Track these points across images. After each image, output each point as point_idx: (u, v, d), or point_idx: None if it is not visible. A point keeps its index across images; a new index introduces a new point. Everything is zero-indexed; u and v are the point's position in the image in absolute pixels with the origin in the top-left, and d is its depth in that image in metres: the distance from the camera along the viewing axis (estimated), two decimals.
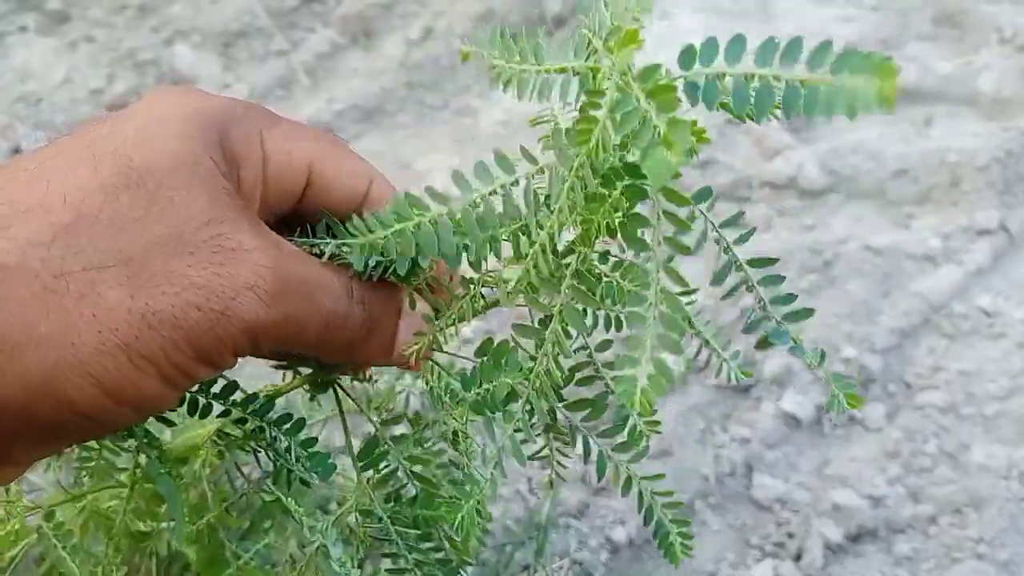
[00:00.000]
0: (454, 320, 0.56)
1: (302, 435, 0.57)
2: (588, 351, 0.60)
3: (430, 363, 0.59)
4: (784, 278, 0.54)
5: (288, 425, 0.57)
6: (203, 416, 0.56)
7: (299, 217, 0.54)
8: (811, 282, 2.00)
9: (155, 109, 0.46)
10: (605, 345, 0.61)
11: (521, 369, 0.53)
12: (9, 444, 0.41)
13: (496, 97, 2.47)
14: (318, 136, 0.53)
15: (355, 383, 0.64)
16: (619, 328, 0.58)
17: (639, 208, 0.45)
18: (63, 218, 0.40)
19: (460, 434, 0.57)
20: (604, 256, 0.54)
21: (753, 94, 0.39)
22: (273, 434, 0.56)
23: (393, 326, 0.52)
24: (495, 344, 0.56)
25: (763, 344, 0.54)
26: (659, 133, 0.36)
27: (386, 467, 0.60)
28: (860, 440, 1.77)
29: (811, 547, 1.57)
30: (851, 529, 1.61)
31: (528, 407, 0.54)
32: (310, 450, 0.56)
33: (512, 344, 0.55)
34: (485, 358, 0.55)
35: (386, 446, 0.59)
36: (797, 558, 1.58)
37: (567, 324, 0.51)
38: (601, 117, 0.41)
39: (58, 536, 0.58)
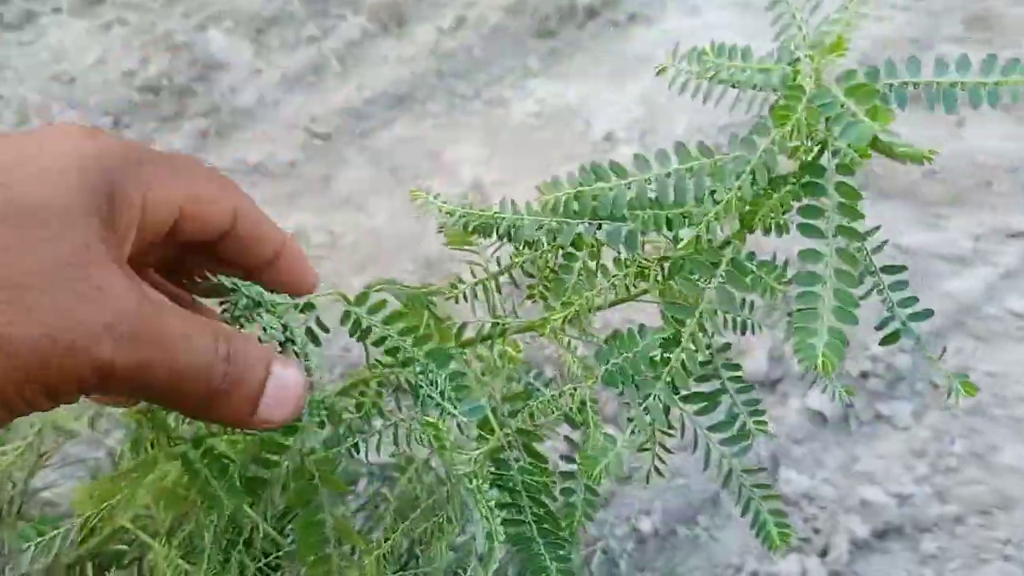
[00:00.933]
0: (594, 301, 0.59)
1: (451, 367, 0.58)
2: (711, 350, 0.61)
3: (565, 336, 0.60)
4: (907, 283, 0.60)
5: (440, 358, 0.57)
6: (362, 339, 0.57)
7: (181, 261, 0.56)
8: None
9: (54, 146, 0.47)
10: (727, 347, 0.64)
11: (665, 338, 0.56)
12: None
13: (529, 88, 2.47)
14: (196, 176, 0.53)
15: None
16: (743, 332, 0.64)
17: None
18: None
19: (586, 403, 0.59)
20: (750, 256, 0.58)
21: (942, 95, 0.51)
22: (427, 364, 0.57)
23: (258, 387, 0.49)
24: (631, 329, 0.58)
25: (890, 339, 0.60)
26: (856, 116, 0.47)
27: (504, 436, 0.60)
28: (887, 438, 1.77)
29: (837, 543, 1.57)
30: (877, 526, 1.60)
31: (669, 379, 0.57)
32: (458, 382, 0.57)
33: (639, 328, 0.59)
34: (625, 331, 0.58)
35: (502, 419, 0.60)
36: (823, 554, 1.58)
37: (717, 308, 0.56)
38: (800, 106, 0.49)
39: (208, 465, 0.58)
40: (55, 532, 0.74)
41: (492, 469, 0.60)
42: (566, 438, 0.63)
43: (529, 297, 0.67)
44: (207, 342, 0.47)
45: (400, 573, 0.70)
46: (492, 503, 0.55)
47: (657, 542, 1.61)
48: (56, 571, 0.99)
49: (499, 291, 0.67)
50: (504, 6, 2.58)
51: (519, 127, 2.39)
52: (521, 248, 0.64)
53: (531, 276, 0.66)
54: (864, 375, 1.84)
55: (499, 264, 0.67)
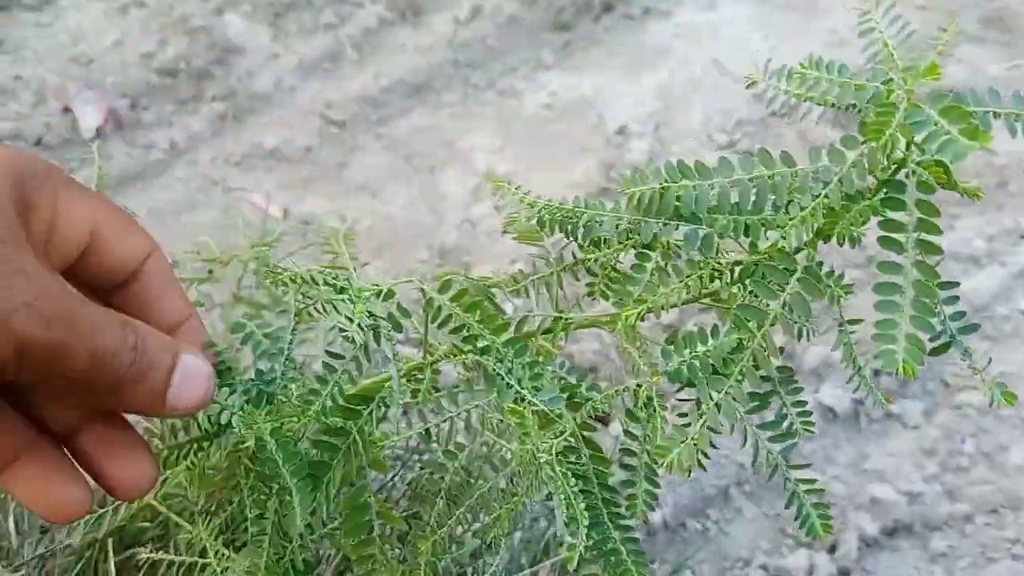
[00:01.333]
0: (668, 300, 0.61)
1: (527, 357, 0.59)
2: (767, 353, 0.63)
3: (634, 333, 0.62)
4: (959, 298, 0.64)
5: (518, 346, 0.59)
6: (441, 325, 0.59)
7: (76, 281, 0.56)
8: (853, 278, 1.99)
9: None
10: (779, 350, 0.65)
11: (738, 344, 0.58)
12: None
13: (542, 80, 2.48)
14: (107, 203, 0.55)
15: None
16: (799, 338, 0.65)
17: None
18: None
19: (652, 399, 0.60)
20: (819, 264, 0.61)
21: None
22: (505, 353, 0.59)
23: (165, 375, 0.50)
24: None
25: (940, 350, 0.65)
26: (951, 134, 0.50)
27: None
28: (897, 436, 1.77)
29: (847, 539, 1.58)
30: (887, 524, 1.61)
31: (740, 377, 0.59)
32: (534, 372, 0.59)
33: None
34: (695, 330, 0.60)
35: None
36: (832, 550, 1.59)
37: (791, 311, 0.59)
38: (893, 123, 0.52)
39: (285, 451, 0.59)
40: (102, 511, 0.74)
41: (565, 458, 0.62)
42: (626, 432, 0.65)
43: (589, 294, 0.68)
44: (116, 330, 0.48)
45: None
46: (576, 487, 0.57)
47: (667, 534, 1.61)
48: (79, 548, 1.00)
49: (562, 287, 0.69)
50: None
51: (532, 118, 2.39)
52: (588, 245, 0.66)
53: (594, 274, 0.68)
54: (876, 373, 1.85)
55: (562, 260, 0.69)
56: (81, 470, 0.54)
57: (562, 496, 0.58)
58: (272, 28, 2.48)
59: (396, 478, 1.14)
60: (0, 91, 2.25)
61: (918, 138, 0.52)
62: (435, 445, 0.92)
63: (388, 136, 2.31)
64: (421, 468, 1.14)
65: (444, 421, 0.66)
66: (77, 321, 0.46)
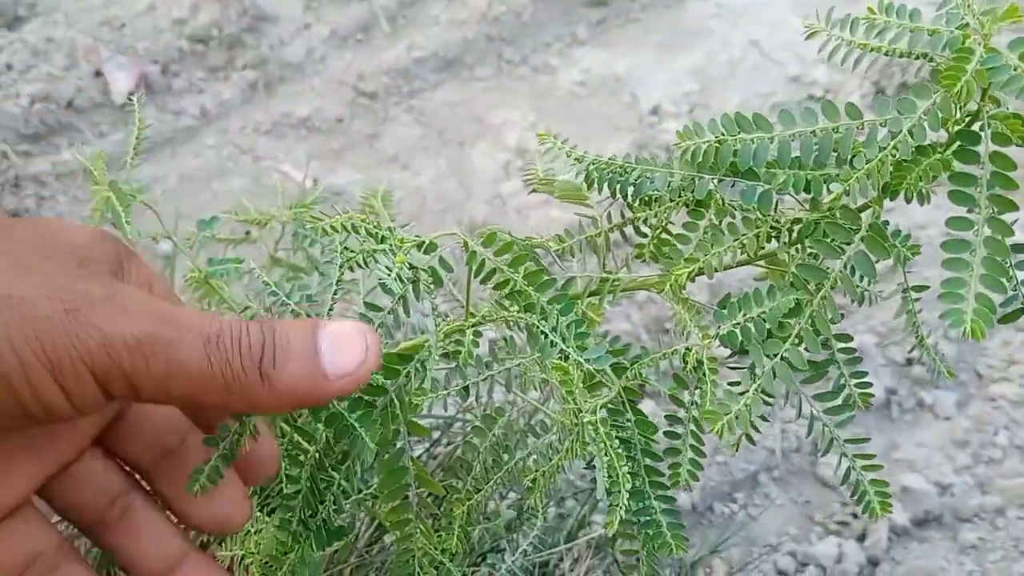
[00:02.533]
0: (722, 259, 0.58)
1: (572, 315, 0.57)
2: (831, 318, 0.60)
3: (682, 295, 0.59)
4: None
5: (563, 303, 0.57)
6: (485, 280, 0.57)
7: None
8: (888, 265, 1.97)
9: (79, 228, 0.47)
10: (836, 315, 0.63)
11: (796, 306, 0.56)
12: None
13: (576, 56, 2.45)
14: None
15: None
16: (861, 302, 0.62)
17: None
18: None
19: (703, 363, 0.58)
20: (885, 223, 0.58)
21: None
22: (550, 309, 0.56)
23: (310, 346, 0.45)
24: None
25: (1011, 317, 0.60)
26: None
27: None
28: (929, 427, 1.75)
29: (876, 528, 1.56)
30: (917, 514, 1.59)
31: (797, 339, 0.56)
32: (579, 330, 0.57)
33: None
34: (746, 292, 0.58)
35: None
36: (861, 538, 1.57)
37: (853, 272, 0.55)
38: (969, 69, 0.49)
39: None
40: None
41: (612, 420, 0.59)
42: (672, 397, 0.62)
43: (638, 256, 0.65)
44: (227, 319, 0.45)
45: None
46: (619, 449, 0.55)
47: (694, 517, 1.60)
48: None
49: (609, 248, 0.66)
50: None
51: (565, 95, 2.36)
52: (639, 204, 0.63)
53: (643, 236, 0.65)
54: (909, 362, 1.83)
55: (610, 220, 0.66)
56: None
57: (604, 459, 0.55)
58: None
59: (426, 454, 1.13)
60: (32, 53, 2.24)
61: (996, 83, 0.49)
62: (472, 416, 0.91)
63: (419, 109, 2.29)
64: (448, 444, 1.14)
65: (484, 379, 0.63)
66: (172, 313, 0.43)
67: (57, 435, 0.47)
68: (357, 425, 0.54)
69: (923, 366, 1.82)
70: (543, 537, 1.03)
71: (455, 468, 0.69)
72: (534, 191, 0.71)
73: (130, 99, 0.85)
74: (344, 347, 0.46)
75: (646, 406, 1.57)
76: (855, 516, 1.60)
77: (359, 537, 0.99)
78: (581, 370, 0.56)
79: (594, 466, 0.56)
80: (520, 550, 0.96)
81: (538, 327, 0.57)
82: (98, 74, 2.21)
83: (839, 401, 0.64)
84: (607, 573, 1.13)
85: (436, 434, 1.15)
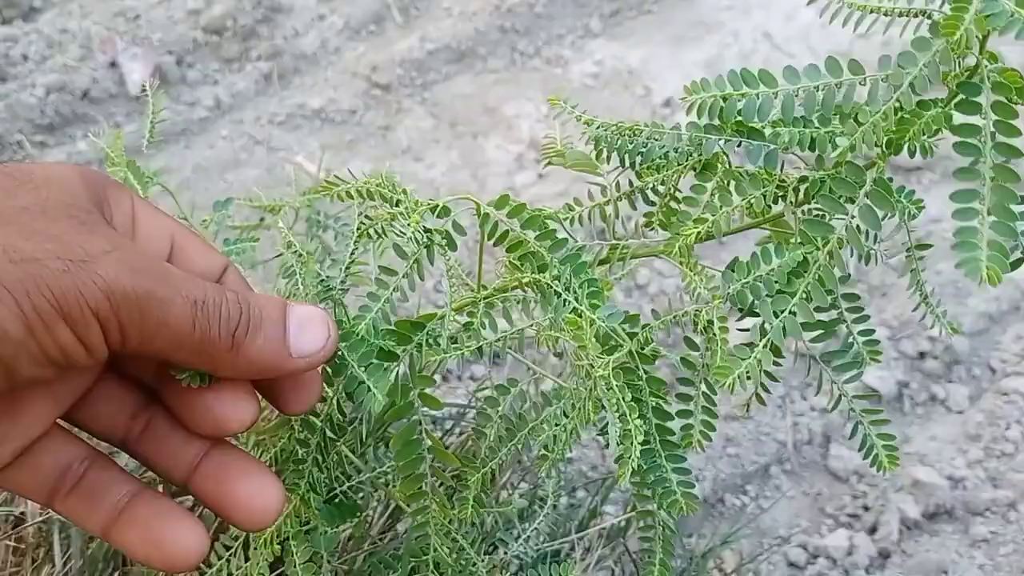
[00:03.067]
0: (729, 220, 0.59)
1: (584, 275, 0.58)
2: (839, 275, 0.61)
3: (693, 259, 0.59)
4: None
5: (576, 264, 0.58)
6: (499, 242, 0.58)
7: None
8: (902, 260, 1.96)
9: (58, 169, 0.49)
10: (844, 279, 0.64)
11: (803, 261, 0.56)
12: None
13: (588, 49, 2.45)
14: (178, 222, 0.55)
15: None
16: (867, 261, 0.63)
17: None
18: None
19: (712, 323, 0.58)
20: (890, 179, 0.58)
21: None
22: (563, 271, 0.57)
23: (279, 323, 0.49)
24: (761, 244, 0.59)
25: (1015, 265, 0.60)
26: None
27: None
28: (941, 420, 1.75)
29: (887, 521, 1.56)
30: (929, 507, 1.59)
31: (806, 294, 0.56)
32: (592, 289, 0.57)
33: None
34: (754, 251, 0.59)
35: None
36: (872, 531, 1.57)
37: (862, 224, 0.56)
38: (968, 16, 0.50)
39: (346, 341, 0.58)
40: None
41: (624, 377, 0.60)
42: (682, 359, 0.63)
43: (647, 225, 0.66)
44: (213, 286, 0.48)
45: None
46: (630, 400, 0.56)
47: (705, 508, 1.60)
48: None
49: (618, 216, 0.66)
50: None
51: (578, 87, 2.36)
52: (646, 170, 0.63)
53: (651, 204, 0.65)
54: (921, 355, 1.82)
55: (618, 188, 0.66)
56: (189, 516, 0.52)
57: (616, 411, 0.56)
58: None
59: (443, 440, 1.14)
60: (47, 44, 2.25)
61: (996, 28, 0.50)
62: (480, 403, 0.91)
63: (432, 101, 2.29)
64: (461, 434, 1.14)
65: (497, 340, 0.64)
66: (166, 273, 0.46)
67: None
68: (365, 377, 0.55)
69: (935, 360, 1.82)
70: (554, 527, 1.04)
71: (467, 456, 0.70)
72: (549, 163, 0.72)
73: (144, 89, 0.86)
74: (308, 330, 0.50)
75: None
76: (866, 509, 1.60)
77: (372, 524, 0.99)
78: (593, 327, 0.57)
79: (606, 432, 0.57)
80: (531, 537, 0.96)
81: (551, 286, 0.57)
82: (113, 65, 2.22)
83: (848, 358, 0.66)
84: (618, 563, 1.14)
85: (449, 424, 1.16)
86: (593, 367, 0.55)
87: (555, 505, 1.01)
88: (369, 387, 0.55)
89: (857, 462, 1.66)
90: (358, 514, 0.77)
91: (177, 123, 2.18)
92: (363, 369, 0.56)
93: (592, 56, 2.44)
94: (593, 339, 0.56)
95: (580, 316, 0.57)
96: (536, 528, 0.93)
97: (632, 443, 0.55)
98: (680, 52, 2.44)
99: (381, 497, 0.96)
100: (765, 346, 0.56)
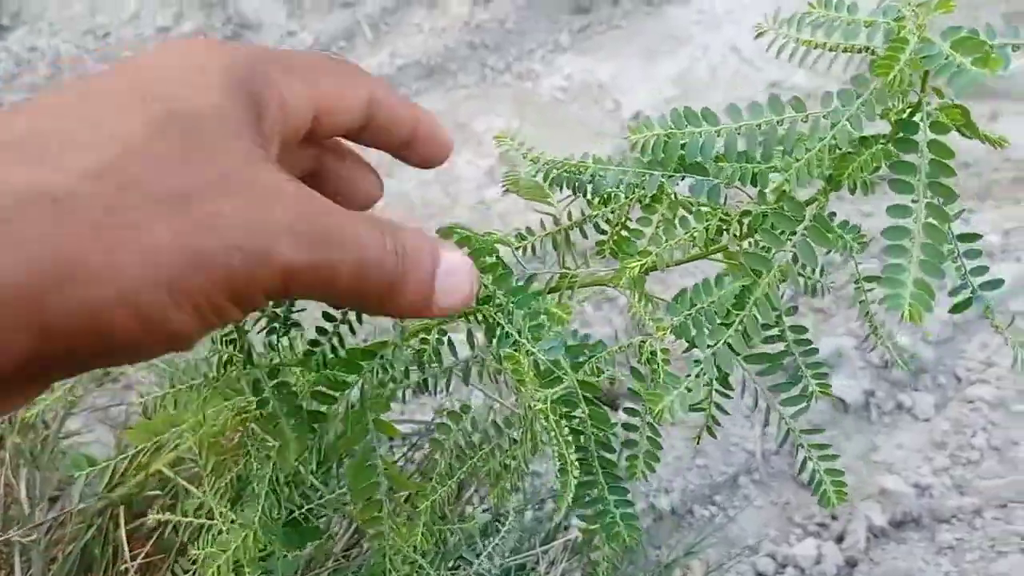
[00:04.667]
0: (672, 254, 0.59)
1: (530, 307, 0.58)
2: (777, 313, 0.61)
3: (640, 289, 0.60)
4: (981, 252, 0.62)
5: (520, 296, 0.58)
6: None
7: (320, 163, 0.56)
8: (868, 269, 1.99)
9: (190, 58, 0.46)
10: (791, 311, 0.65)
11: (742, 292, 0.57)
12: (38, 373, 0.42)
13: (558, 63, 2.46)
14: (314, 65, 0.51)
15: None
16: (807, 292, 0.64)
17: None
18: (112, 151, 0.41)
19: (656, 354, 0.59)
20: (831, 215, 0.59)
21: None
22: (507, 302, 0.58)
23: (429, 276, 0.49)
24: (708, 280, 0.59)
25: (961, 307, 0.62)
26: (963, 65, 0.49)
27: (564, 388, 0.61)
28: (908, 429, 1.77)
29: (855, 529, 1.58)
30: (895, 515, 1.61)
31: (741, 328, 0.57)
32: (532, 323, 0.58)
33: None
34: (697, 283, 0.59)
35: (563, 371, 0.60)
36: (840, 539, 1.58)
37: (799, 259, 0.56)
38: (903, 58, 0.51)
39: (279, 397, 0.60)
40: (105, 463, 0.74)
41: (563, 409, 0.60)
42: (629, 390, 0.63)
43: (599, 253, 0.67)
44: (377, 238, 0.47)
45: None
46: (568, 437, 0.56)
47: (674, 520, 1.61)
48: (90, 515, 1.01)
49: (569, 244, 0.67)
50: None
51: (548, 101, 2.38)
52: (597, 202, 0.64)
53: (603, 232, 0.66)
54: (887, 365, 1.84)
55: (570, 218, 0.67)
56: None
57: (555, 446, 0.56)
58: (288, 4, 2.47)
59: (406, 455, 1.14)
60: (16, 61, 2.24)
61: (931, 72, 0.51)
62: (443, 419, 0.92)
63: None
64: (428, 449, 1.15)
65: (444, 373, 0.65)
66: (340, 236, 0.45)
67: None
68: (288, 429, 0.56)
69: (902, 369, 1.84)
70: (520, 540, 1.04)
71: (425, 478, 0.71)
72: (506, 191, 0.73)
73: None
74: (454, 283, 0.50)
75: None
76: (834, 518, 1.62)
77: (336, 540, 1.00)
78: (534, 361, 0.57)
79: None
80: (494, 552, 0.97)
81: (494, 319, 0.58)
82: None
83: (796, 393, 0.65)
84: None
85: (415, 438, 1.16)
86: (532, 400, 0.56)
87: (520, 519, 1.01)
88: (288, 438, 0.56)
89: (829, 447, 1.68)
90: (319, 536, 0.78)
91: None
92: (290, 424, 0.57)
93: (562, 71, 2.46)
94: (532, 374, 0.56)
95: (520, 349, 0.57)
96: (498, 544, 0.94)
97: (569, 477, 0.56)
98: (649, 66, 2.46)
99: (345, 513, 0.97)
100: (698, 376, 0.56)
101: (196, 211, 0.41)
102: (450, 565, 0.97)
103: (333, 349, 0.60)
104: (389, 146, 0.55)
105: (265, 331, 0.62)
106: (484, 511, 1.04)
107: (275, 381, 0.61)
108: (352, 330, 0.62)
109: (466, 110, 2.34)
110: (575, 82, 2.43)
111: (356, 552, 1.00)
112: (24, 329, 0.38)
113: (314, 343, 0.61)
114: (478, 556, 0.95)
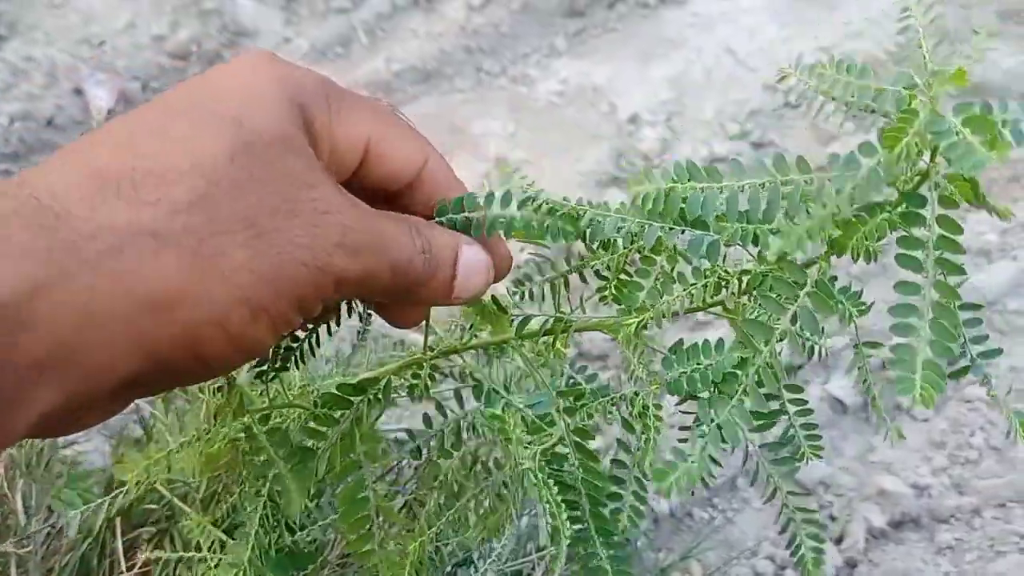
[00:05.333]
0: (670, 310, 0.58)
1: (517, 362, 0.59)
2: (773, 371, 0.60)
3: (637, 339, 0.59)
4: (982, 321, 0.60)
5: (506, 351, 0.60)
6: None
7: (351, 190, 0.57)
8: (863, 269, 1.99)
9: (253, 78, 0.50)
10: (791, 369, 0.64)
11: (742, 360, 0.55)
12: (129, 392, 0.46)
13: (554, 67, 2.46)
14: (376, 111, 0.56)
15: None
16: (810, 356, 0.63)
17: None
18: (196, 184, 0.45)
19: (648, 408, 0.59)
20: (832, 279, 0.58)
21: None
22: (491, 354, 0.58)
23: (451, 270, 0.55)
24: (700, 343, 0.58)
25: (959, 374, 0.61)
26: (972, 144, 0.47)
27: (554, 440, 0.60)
28: (906, 429, 1.77)
29: (853, 530, 1.58)
30: (894, 516, 1.61)
31: (744, 396, 0.55)
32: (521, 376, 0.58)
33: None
34: (700, 342, 0.58)
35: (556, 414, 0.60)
36: (839, 541, 1.59)
37: (800, 329, 0.55)
38: (911, 131, 0.49)
39: (274, 443, 0.61)
40: (101, 500, 0.75)
41: (552, 466, 0.59)
42: (619, 441, 0.63)
43: (601, 299, 0.65)
44: (409, 239, 0.52)
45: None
46: (559, 498, 0.55)
47: (673, 523, 1.61)
48: (86, 528, 1.01)
49: (567, 288, 0.66)
50: None
51: (544, 105, 2.38)
52: (596, 249, 0.63)
53: (604, 278, 0.65)
54: (885, 365, 1.84)
55: (568, 263, 0.66)
56: None
57: (545, 506, 0.55)
58: (284, 12, 2.48)
59: (404, 463, 1.14)
60: (12, 72, 2.25)
61: (940, 148, 0.49)
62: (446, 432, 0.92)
63: None
64: (428, 455, 1.15)
65: (435, 435, 0.65)
66: (380, 243, 0.50)
67: None
68: (288, 477, 0.56)
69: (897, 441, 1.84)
70: (516, 547, 1.04)
71: (427, 482, 0.71)
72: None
73: (109, 116, 0.87)
74: (473, 276, 0.56)
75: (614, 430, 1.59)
76: (832, 519, 1.62)
77: (331, 550, 1.00)
78: (521, 417, 0.57)
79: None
80: (491, 560, 0.97)
81: (479, 381, 0.58)
82: (78, 92, 2.22)
83: (787, 452, 0.65)
84: None
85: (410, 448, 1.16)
86: (519, 458, 0.55)
87: (516, 525, 1.01)
88: (288, 487, 0.56)
89: (823, 471, 1.68)
90: (314, 561, 0.78)
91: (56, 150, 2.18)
92: (287, 466, 0.57)
93: (557, 74, 2.46)
94: (519, 431, 0.56)
95: (507, 404, 0.57)
96: (496, 556, 0.94)
97: (561, 539, 0.55)
98: (644, 69, 2.46)
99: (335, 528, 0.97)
100: (702, 451, 0.54)
101: (267, 234, 0.46)
102: (447, 570, 0.97)
103: (302, 354, 0.61)
104: (417, 208, 0.58)
105: (255, 373, 0.62)
106: (478, 519, 1.04)
107: (267, 427, 0.61)
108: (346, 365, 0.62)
109: (462, 114, 2.35)
110: (571, 85, 2.43)
111: (350, 560, 1.00)
112: (131, 354, 0.43)
113: (288, 348, 0.61)
114: (472, 565, 0.95)
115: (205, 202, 0.45)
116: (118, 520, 0.98)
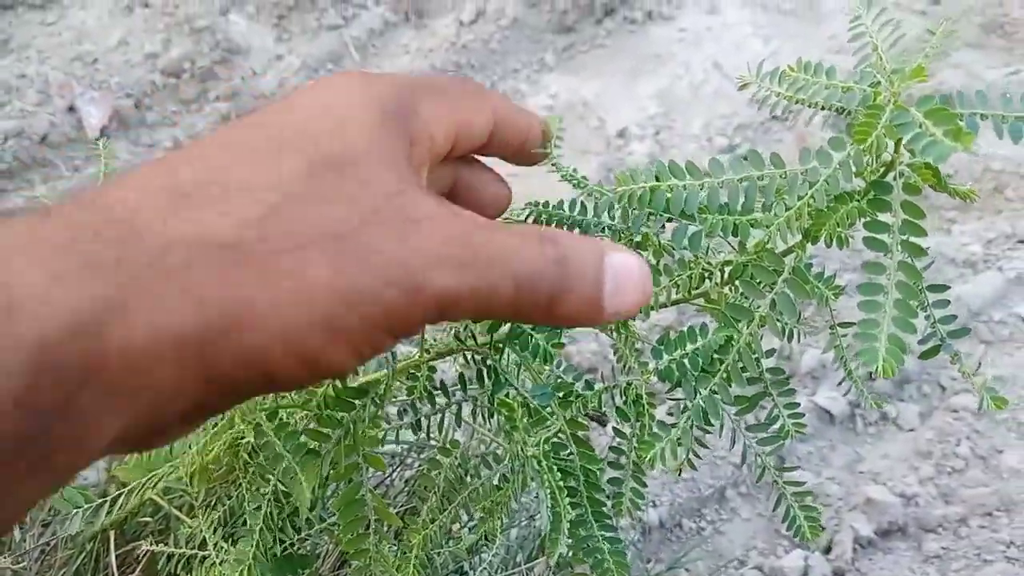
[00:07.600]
0: (657, 300, 0.61)
1: (524, 354, 0.61)
2: (756, 356, 0.63)
3: (627, 331, 0.62)
4: (950, 302, 0.64)
5: (515, 342, 0.61)
6: None
7: (455, 177, 0.57)
8: (849, 281, 2.01)
9: (342, 94, 0.48)
10: (771, 352, 0.67)
11: (726, 341, 0.59)
12: (206, 413, 0.44)
13: (543, 82, 2.49)
14: (463, 106, 0.52)
15: None
16: (790, 339, 0.66)
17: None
18: (271, 197, 0.42)
19: (641, 397, 0.61)
20: (808, 266, 0.61)
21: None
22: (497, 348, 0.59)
23: (595, 281, 0.47)
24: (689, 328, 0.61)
25: (930, 354, 0.65)
26: (935, 136, 0.50)
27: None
28: (893, 439, 1.79)
29: (841, 540, 1.59)
30: (882, 525, 1.62)
31: (725, 376, 0.59)
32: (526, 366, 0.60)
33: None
34: (685, 329, 0.61)
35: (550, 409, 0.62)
36: (827, 550, 1.60)
37: (778, 313, 0.59)
38: (879, 125, 0.53)
39: (283, 437, 0.61)
40: (101, 500, 0.76)
41: (552, 454, 0.62)
42: (615, 430, 0.65)
43: None
44: (535, 249, 0.46)
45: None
46: (560, 483, 0.58)
47: (662, 534, 1.63)
48: (81, 541, 1.02)
49: None
50: (524, 0, 2.60)
51: None
52: None
53: None
54: (871, 376, 1.86)
55: None
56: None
57: (547, 491, 0.58)
58: (276, 29, 2.50)
59: (395, 475, 1.15)
60: (5, 89, 2.26)
61: (904, 140, 0.53)
62: (434, 442, 0.94)
63: None
64: (419, 466, 1.16)
65: (436, 413, 0.67)
66: (494, 255, 0.45)
67: None
68: (297, 468, 0.57)
69: (885, 379, 1.86)
70: (506, 557, 1.06)
71: (420, 493, 0.72)
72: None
73: (103, 134, 0.88)
74: (625, 285, 0.48)
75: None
76: (821, 528, 1.63)
77: (325, 560, 1.01)
78: (526, 407, 0.59)
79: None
80: (482, 569, 0.98)
81: (491, 366, 0.60)
82: (71, 109, 2.24)
83: (772, 431, 0.67)
84: None
85: (403, 458, 1.17)
86: (524, 446, 0.58)
87: (506, 536, 1.03)
88: (300, 481, 0.58)
89: (811, 482, 1.69)
90: (311, 565, 0.79)
91: (136, 165, 2.20)
92: (296, 459, 0.58)
93: (547, 89, 2.48)
94: (525, 420, 0.58)
95: (513, 395, 0.59)
96: (487, 565, 0.95)
97: (562, 523, 0.57)
98: (633, 84, 2.49)
99: (331, 536, 0.98)
100: (686, 423, 0.58)
101: (349, 250, 0.42)
102: None
103: (335, 388, 0.62)
104: (505, 154, 0.55)
105: None
106: (470, 531, 1.05)
107: (275, 423, 0.63)
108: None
109: None
110: (560, 101, 2.46)
111: (344, 572, 1.02)
112: (196, 379, 0.40)
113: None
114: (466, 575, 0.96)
115: (279, 215, 0.42)
116: (112, 534, 0.99)
